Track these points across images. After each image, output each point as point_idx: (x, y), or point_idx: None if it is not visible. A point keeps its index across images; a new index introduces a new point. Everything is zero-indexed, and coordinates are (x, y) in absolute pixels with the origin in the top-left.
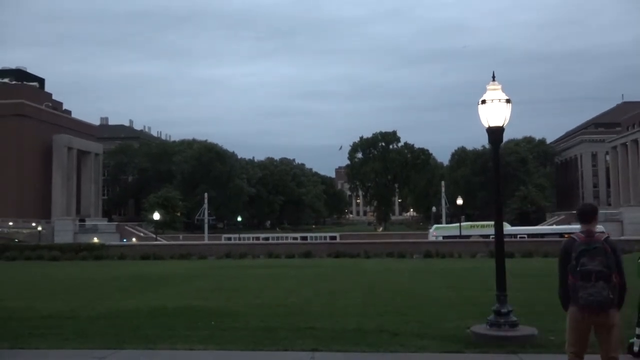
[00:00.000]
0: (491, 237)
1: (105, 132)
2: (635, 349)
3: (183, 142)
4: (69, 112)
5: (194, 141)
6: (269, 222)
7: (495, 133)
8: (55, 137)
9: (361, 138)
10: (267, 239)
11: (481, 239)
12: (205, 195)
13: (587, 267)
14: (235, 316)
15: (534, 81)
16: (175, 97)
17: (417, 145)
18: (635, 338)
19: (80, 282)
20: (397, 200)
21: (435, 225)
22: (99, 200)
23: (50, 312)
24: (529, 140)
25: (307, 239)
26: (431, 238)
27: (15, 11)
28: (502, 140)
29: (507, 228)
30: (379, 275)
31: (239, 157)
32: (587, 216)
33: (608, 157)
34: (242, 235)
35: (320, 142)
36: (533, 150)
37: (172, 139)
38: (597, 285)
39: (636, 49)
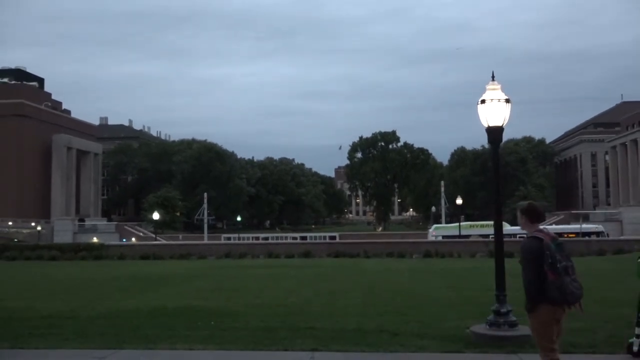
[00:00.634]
0: (491, 237)
1: (104, 132)
2: (635, 348)
3: (183, 142)
4: (68, 112)
5: (193, 141)
6: (268, 222)
7: (494, 133)
8: (54, 137)
9: (360, 138)
10: (266, 238)
11: (481, 239)
12: (205, 195)
13: (564, 263)
14: (235, 316)
15: (534, 81)
16: (175, 97)
17: (416, 145)
18: (634, 338)
19: (79, 282)
20: (397, 200)
21: (434, 225)
22: (98, 200)
23: (50, 312)
24: (528, 140)
25: (306, 239)
26: (431, 238)
27: (15, 11)
28: (501, 140)
29: (507, 228)
30: (378, 275)
31: (239, 157)
32: (543, 216)
33: (607, 157)
34: (241, 235)
35: (319, 142)
36: (532, 150)
37: (172, 138)
38: (576, 279)
39: (636, 49)
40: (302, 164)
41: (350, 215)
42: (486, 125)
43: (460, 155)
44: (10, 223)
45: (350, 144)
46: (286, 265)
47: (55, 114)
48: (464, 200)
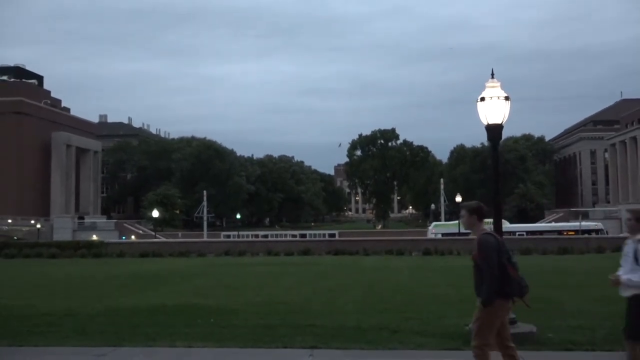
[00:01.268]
0: None
1: (104, 129)
2: None
3: (182, 140)
4: (68, 110)
5: (193, 139)
6: (268, 219)
7: (494, 130)
8: (54, 135)
9: (360, 135)
10: (266, 236)
11: None
12: (204, 192)
13: (514, 260)
14: (235, 314)
15: (533, 78)
16: (175, 95)
17: (416, 143)
18: None
19: (79, 279)
20: (396, 198)
21: (434, 223)
22: (97, 198)
23: (49, 310)
24: (527, 138)
25: (306, 237)
26: (430, 235)
27: (15, 9)
28: (501, 138)
29: (506, 225)
30: (378, 272)
31: (238, 154)
32: (486, 214)
33: (607, 155)
34: (241, 233)
35: (319, 139)
36: (532, 148)
37: (172, 136)
38: (522, 275)
39: (636, 47)
40: (302, 162)
41: (350, 212)
42: (486, 123)
43: (460, 153)
44: (9, 221)
45: (350, 141)
46: (285, 263)
47: (55, 111)
48: (463, 198)
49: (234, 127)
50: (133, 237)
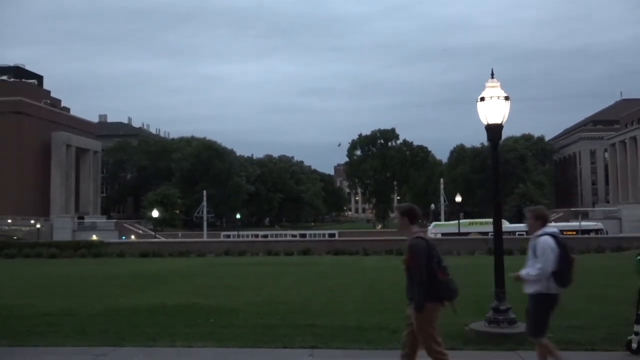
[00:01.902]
0: (490, 234)
1: (104, 129)
2: (634, 345)
3: (182, 140)
4: (67, 110)
5: (192, 139)
6: (267, 219)
7: (494, 130)
8: (54, 135)
9: (360, 135)
10: (266, 236)
11: (480, 237)
12: (204, 192)
13: (444, 264)
14: (235, 313)
15: (533, 78)
16: (175, 95)
17: (416, 143)
18: (633, 335)
19: (79, 279)
20: (396, 198)
21: (434, 223)
22: (97, 198)
23: (49, 310)
24: (527, 138)
25: (306, 237)
26: (430, 235)
27: (15, 8)
28: (500, 138)
29: (506, 225)
30: (378, 272)
31: (238, 154)
32: (419, 217)
33: (607, 155)
34: (241, 233)
35: (319, 139)
36: (532, 148)
37: (172, 136)
38: (453, 279)
39: (636, 47)
40: (302, 162)
41: (350, 212)
42: (485, 123)
43: (460, 153)
44: (9, 221)
45: (350, 141)
46: (285, 263)
47: (55, 111)
48: (463, 198)
49: (234, 127)
50: (133, 237)
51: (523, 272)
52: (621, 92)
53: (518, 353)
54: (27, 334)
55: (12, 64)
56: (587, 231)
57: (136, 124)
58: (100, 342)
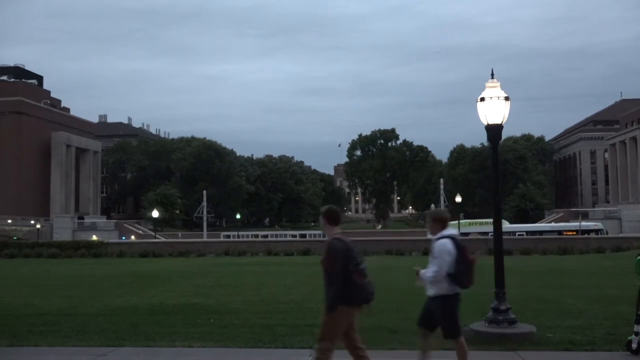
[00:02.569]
0: (490, 234)
1: (104, 129)
2: (634, 345)
3: (182, 140)
4: (67, 110)
5: (192, 139)
6: (267, 219)
7: (494, 130)
8: (54, 135)
9: (360, 136)
10: (265, 236)
11: (480, 237)
12: (204, 192)
13: (362, 266)
14: (235, 313)
15: (534, 78)
16: (176, 94)
17: (417, 143)
18: (633, 335)
19: (79, 279)
20: (396, 198)
21: None
22: (97, 198)
23: (49, 310)
24: (527, 138)
25: (305, 237)
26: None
27: (15, 8)
28: (500, 138)
29: (506, 225)
30: (377, 272)
31: (238, 154)
32: (340, 219)
33: (607, 155)
34: (240, 233)
35: (319, 139)
36: (532, 148)
37: (172, 136)
38: (370, 281)
39: (636, 46)
40: (302, 162)
41: (350, 213)
42: (485, 123)
43: (460, 153)
44: (9, 221)
45: (350, 141)
46: (285, 263)
47: (54, 111)
48: (463, 198)
49: (234, 127)
50: (133, 237)
51: (422, 271)
52: (621, 93)
53: (518, 353)
54: (26, 333)
55: (12, 64)
56: (587, 231)
57: (136, 124)
58: (100, 342)
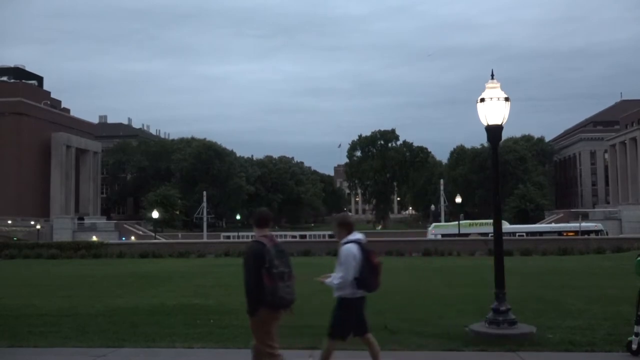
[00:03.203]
0: (490, 235)
1: (104, 130)
2: (634, 346)
3: (182, 140)
4: (67, 110)
5: (192, 139)
6: None
7: (494, 131)
8: (53, 136)
9: (360, 136)
10: None
11: (480, 237)
12: (204, 193)
13: (281, 269)
14: (235, 314)
15: (534, 78)
16: (176, 95)
17: (417, 143)
18: (633, 336)
19: (79, 280)
20: (396, 199)
21: (434, 224)
22: (97, 199)
23: (49, 310)
24: (527, 139)
25: (306, 237)
26: (430, 236)
27: (15, 8)
28: (500, 139)
29: (506, 226)
30: None
31: (238, 155)
32: (268, 222)
33: (607, 156)
34: (240, 234)
35: (319, 139)
36: (532, 149)
37: (172, 137)
38: (290, 285)
39: (636, 47)
40: (302, 162)
41: (350, 213)
42: (485, 124)
43: (460, 154)
44: (9, 221)
45: (350, 142)
46: None
47: (54, 112)
48: (463, 199)
49: (234, 127)
50: (133, 237)
51: (327, 280)
52: (621, 93)
53: (518, 354)
54: (26, 334)
55: (12, 65)
56: (587, 232)
57: (136, 124)
58: (100, 342)
